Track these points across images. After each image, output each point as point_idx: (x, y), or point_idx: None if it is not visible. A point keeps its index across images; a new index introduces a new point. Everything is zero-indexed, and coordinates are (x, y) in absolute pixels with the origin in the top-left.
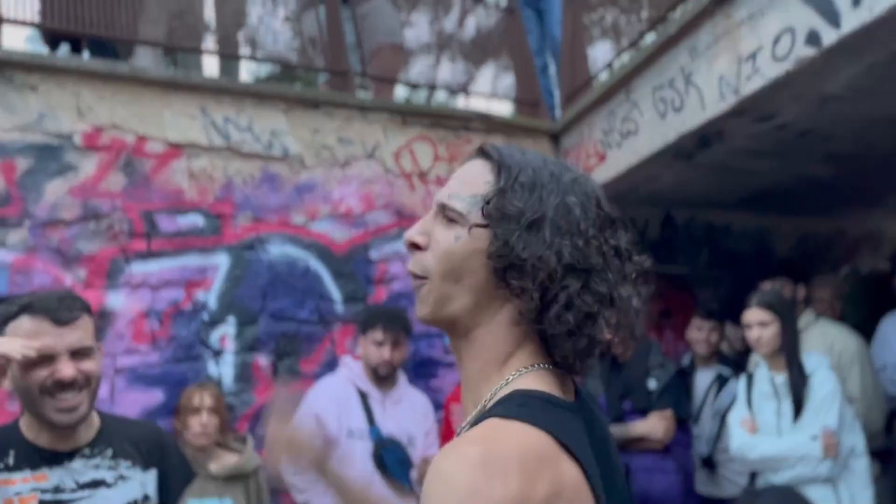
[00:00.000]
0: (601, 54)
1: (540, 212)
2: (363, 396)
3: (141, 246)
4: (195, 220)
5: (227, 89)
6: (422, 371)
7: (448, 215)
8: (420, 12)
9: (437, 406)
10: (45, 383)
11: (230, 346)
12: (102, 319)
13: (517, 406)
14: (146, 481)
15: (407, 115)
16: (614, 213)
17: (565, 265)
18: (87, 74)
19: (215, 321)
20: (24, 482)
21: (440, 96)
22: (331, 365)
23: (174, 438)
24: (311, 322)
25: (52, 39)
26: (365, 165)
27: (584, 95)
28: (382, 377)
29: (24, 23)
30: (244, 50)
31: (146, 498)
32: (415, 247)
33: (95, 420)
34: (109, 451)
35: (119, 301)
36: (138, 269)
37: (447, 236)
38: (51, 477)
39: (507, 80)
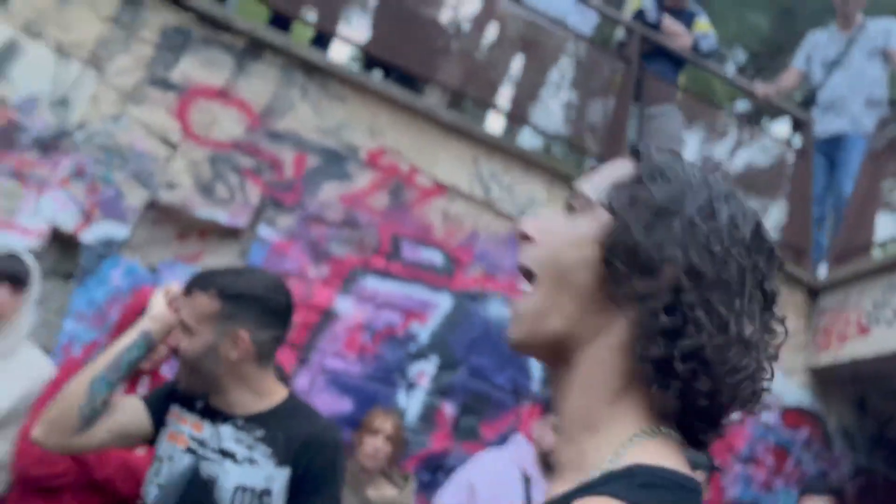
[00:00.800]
0: (884, 223)
1: (677, 203)
2: (526, 481)
3: (380, 263)
4: (435, 256)
5: (502, 148)
6: None
7: (573, 203)
8: (693, 130)
9: None
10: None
11: (425, 384)
12: (325, 318)
13: (639, 488)
14: (274, 476)
15: None
16: (773, 243)
17: (691, 268)
18: (389, 100)
19: (419, 356)
20: (189, 425)
21: None
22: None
23: (340, 454)
24: (505, 390)
25: (369, 62)
26: None
27: (859, 260)
28: (551, 466)
29: (351, 42)
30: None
31: (266, 492)
32: (525, 238)
33: (273, 399)
34: (259, 433)
35: (345, 307)
36: (371, 283)
37: (563, 225)
38: (204, 430)
39: (767, 221)
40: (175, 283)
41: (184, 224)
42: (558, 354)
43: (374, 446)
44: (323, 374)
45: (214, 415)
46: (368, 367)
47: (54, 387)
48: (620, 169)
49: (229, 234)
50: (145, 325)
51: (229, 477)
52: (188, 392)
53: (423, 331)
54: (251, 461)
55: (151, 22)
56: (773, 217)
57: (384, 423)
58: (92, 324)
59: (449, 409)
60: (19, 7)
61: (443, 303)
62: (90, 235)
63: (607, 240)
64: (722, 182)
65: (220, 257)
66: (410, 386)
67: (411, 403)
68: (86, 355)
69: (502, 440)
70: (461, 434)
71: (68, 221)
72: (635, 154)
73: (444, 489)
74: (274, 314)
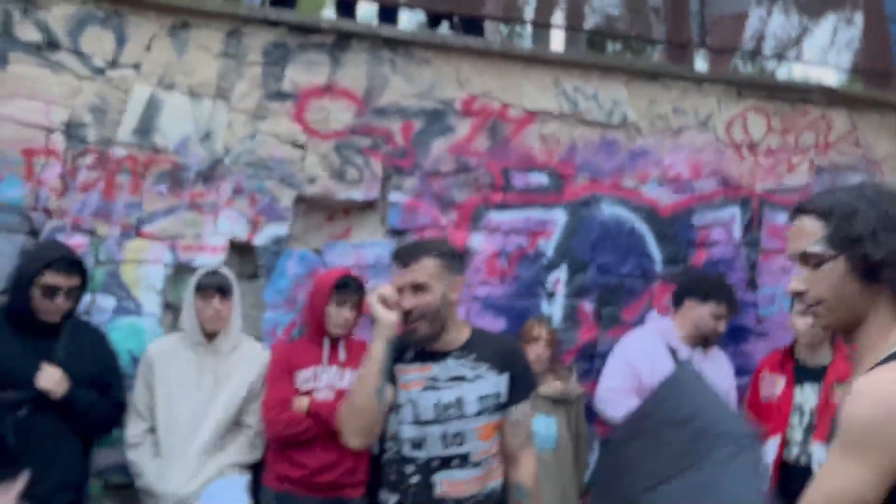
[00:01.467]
0: None
1: (871, 224)
2: (672, 352)
3: (498, 197)
4: (542, 178)
5: (577, 63)
6: (734, 337)
7: (812, 262)
8: None
9: (741, 371)
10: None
11: (561, 289)
12: (466, 256)
13: None
14: (499, 382)
15: (743, 86)
16: None
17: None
18: (466, 51)
19: (551, 267)
20: (415, 371)
21: (769, 65)
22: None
23: (525, 353)
24: (633, 276)
25: (431, 21)
26: (696, 134)
27: None
28: (697, 344)
29: (400, 4)
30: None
31: (497, 395)
32: (799, 293)
33: (467, 331)
34: (473, 356)
35: (479, 241)
36: (495, 216)
37: (825, 275)
38: (433, 369)
39: (845, 39)
40: (385, 286)
41: (329, 208)
42: (851, 328)
43: (536, 352)
44: (475, 302)
45: (433, 356)
46: (511, 287)
47: (275, 363)
48: (811, 226)
49: (367, 206)
50: (383, 333)
51: (469, 392)
52: (426, 339)
53: (549, 245)
54: (479, 377)
55: (253, 45)
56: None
57: (540, 331)
58: (285, 309)
59: (587, 305)
60: (150, 67)
61: (559, 216)
62: (261, 239)
63: (855, 267)
64: (870, 188)
65: (366, 228)
66: (550, 295)
67: (554, 309)
68: (287, 335)
69: (641, 320)
70: (604, 323)
71: (241, 232)
72: (802, 211)
73: (606, 372)
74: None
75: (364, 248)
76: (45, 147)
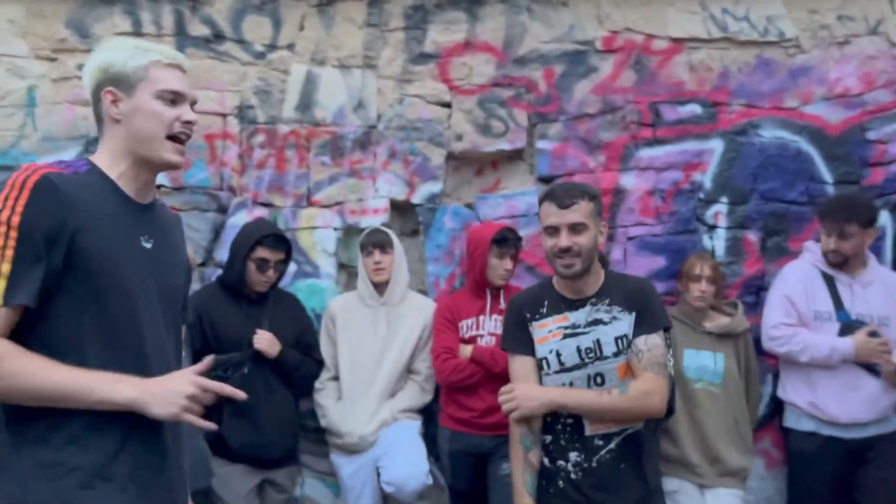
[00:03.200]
0: None
1: None
2: (829, 280)
3: (647, 134)
4: (693, 108)
5: None
6: None
7: None
8: None
9: None
10: (552, 251)
11: (723, 222)
12: (617, 196)
13: None
14: (631, 322)
15: None
16: None
17: None
18: None
19: (710, 200)
20: (553, 322)
21: None
22: None
23: (656, 292)
24: (801, 203)
25: None
26: (867, 42)
27: None
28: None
29: None
30: None
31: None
32: None
33: (601, 277)
34: (607, 300)
35: (630, 181)
36: (645, 153)
37: None
38: (570, 318)
39: None
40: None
41: (478, 162)
42: None
43: (700, 289)
44: (631, 243)
45: (571, 304)
46: (668, 225)
47: (439, 314)
48: None
49: (515, 156)
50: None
51: (607, 334)
52: (576, 276)
53: (706, 177)
54: (615, 318)
55: (394, 12)
56: None
57: (703, 268)
58: (445, 262)
59: (752, 236)
60: (303, 46)
61: (715, 146)
62: (418, 197)
63: None
64: None
65: (515, 178)
66: (710, 228)
67: (716, 243)
68: (448, 286)
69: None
70: (770, 254)
71: (399, 193)
72: None
73: (767, 309)
74: None
75: (514, 198)
76: (223, 131)
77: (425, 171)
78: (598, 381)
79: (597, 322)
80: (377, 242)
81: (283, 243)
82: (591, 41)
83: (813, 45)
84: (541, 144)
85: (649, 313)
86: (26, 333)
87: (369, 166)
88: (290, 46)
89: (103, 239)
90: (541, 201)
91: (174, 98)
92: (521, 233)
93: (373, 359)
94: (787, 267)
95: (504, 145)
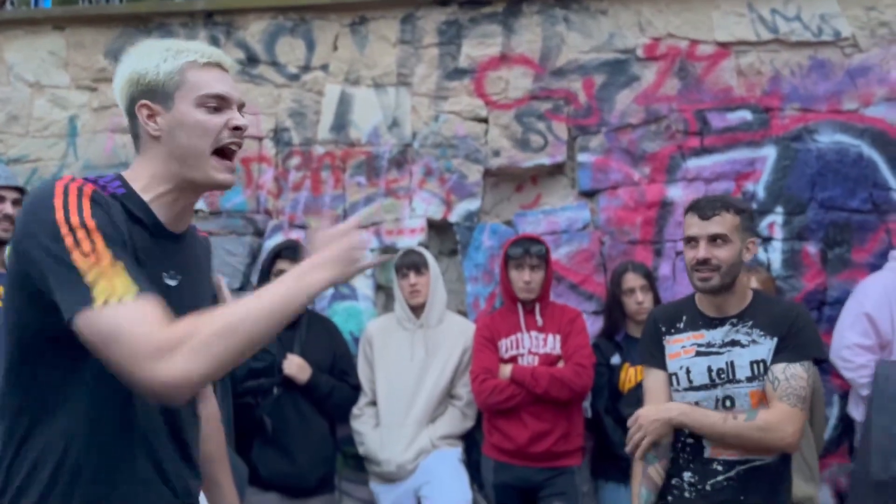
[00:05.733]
0: None
1: None
2: None
3: (695, 143)
4: (744, 115)
5: None
6: None
7: None
8: None
9: None
10: (690, 263)
11: (778, 233)
12: (664, 209)
13: None
14: (772, 347)
15: None
16: None
17: None
18: None
19: (764, 210)
20: (687, 339)
21: None
22: (885, 255)
23: (809, 319)
24: (864, 211)
25: None
26: None
27: None
28: None
29: None
30: None
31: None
32: None
33: (747, 296)
34: (750, 322)
35: (677, 193)
36: (693, 164)
37: None
38: (706, 336)
39: None
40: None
41: (517, 178)
42: None
43: None
44: (679, 258)
45: (710, 322)
46: None
47: (478, 334)
48: None
49: (556, 170)
50: None
51: (743, 357)
52: (715, 290)
53: (759, 186)
54: (754, 342)
55: (427, 28)
56: None
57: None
58: (484, 281)
59: (811, 248)
60: (336, 67)
61: (768, 154)
62: (455, 216)
63: None
64: None
65: (556, 193)
66: (765, 240)
67: (772, 256)
68: (489, 306)
69: (878, 260)
70: (833, 267)
71: (436, 212)
72: None
73: (841, 326)
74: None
75: (555, 213)
76: (259, 154)
77: (462, 189)
78: (726, 404)
79: (734, 343)
80: (412, 264)
81: (301, 255)
82: (633, 49)
83: (871, 44)
84: (582, 158)
85: (795, 340)
86: (19, 369)
87: (405, 185)
88: (324, 67)
89: None
90: (686, 213)
91: (218, 104)
92: (563, 250)
93: (411, 384)
94: (870, 279)
95: (544, 160)
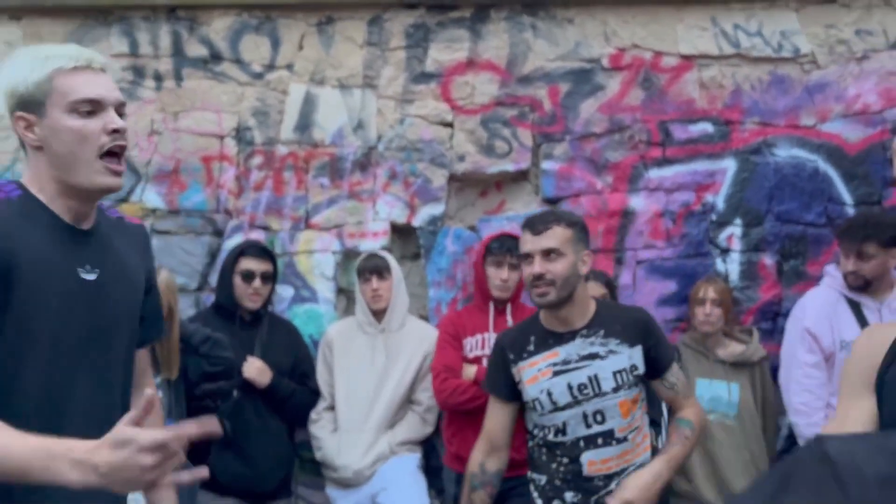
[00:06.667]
0: None
1: None
2: (855, 306)
3: (657, 153)
4: (705, 127)
5: None
6: None
7: None
8: None
9: None
10: (527, 279)
11: (736, 245)
12: (625, 218)
13: None
14: (633, 355)
15: None
16: None
17: None
18: (613, 2)
19: (723, 222)
20: (542, 360)
21: None
22: None
23: (655, 320)
24: (819, 225)
25: None
26: (886, 57)
27: None
28: (860, 288)
29: None
30: None
31: (633, 367)
32: None
33: (590, 307)
34: (601, 331)
35: (639, 203)
36: (655, 174)
37: None
38: (560, 353)
39: None
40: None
41: (481, 183)
42: None
43: (704, 312)
44: (640, 267)
45: (559, 339)
46: (678, 248)
47: (442, 330)
48: None
49: (520, 177)
50: None
51: (605, 369)
52: (552, 305)
53: (718, 198)
54: (612, 352)
55: (394, 31)
56: None
57: (707, 291)
58: (447, 286)
59: (768, 259)
60: (301, 66)
61: (728, 166)
62: (419, 220)
63: None
64: None
65: (519, 199)
66: (723, 251)
67: (730, 266)
68: (451, 310)
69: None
70: (788, 279)
71: (400, 215)
72: None
73: (787, 343)
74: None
75: (519, 220)
76: (220, 153)
77: (426, 193)
78: (597, 418)
79: (592, 356)
80: (374, 268)
81: (267, 254)
82: (598, 59)
83: (830, 61)
84: (546, 165)
85: (662, 345)
86: None
87: (369, 188)
88: (289, 66)
89: (33, 275)
90: (521, 229)
91: (92, 107)
92: None
93: (370, 388)
94: (807, 296)
95: (508, 166)
